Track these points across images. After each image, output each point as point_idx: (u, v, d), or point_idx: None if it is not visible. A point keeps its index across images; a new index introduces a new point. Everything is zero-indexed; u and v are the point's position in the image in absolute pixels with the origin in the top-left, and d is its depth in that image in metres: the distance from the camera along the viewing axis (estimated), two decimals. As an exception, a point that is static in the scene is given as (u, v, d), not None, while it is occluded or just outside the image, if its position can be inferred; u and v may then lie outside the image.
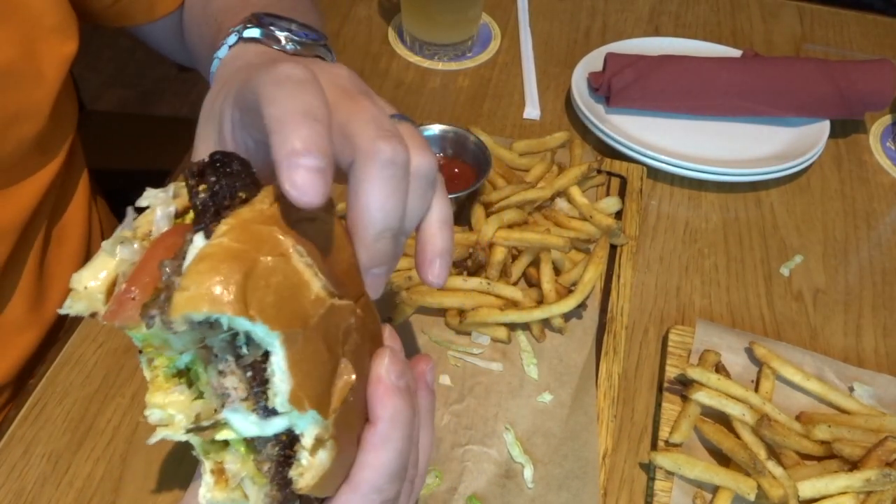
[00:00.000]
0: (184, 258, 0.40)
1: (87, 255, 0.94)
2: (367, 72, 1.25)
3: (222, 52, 0.67)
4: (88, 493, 0.74)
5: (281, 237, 0.41)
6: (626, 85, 1.14)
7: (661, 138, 1.13)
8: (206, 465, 0.44)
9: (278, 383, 0.40)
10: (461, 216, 0.96)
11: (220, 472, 0.44)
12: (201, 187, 0.42)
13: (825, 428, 0.76)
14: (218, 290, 0.38)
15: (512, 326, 0.87)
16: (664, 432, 0.79)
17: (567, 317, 0.88)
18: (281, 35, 0.66)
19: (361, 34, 1.33)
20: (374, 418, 0.45)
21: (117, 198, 1.12)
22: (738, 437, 0.77)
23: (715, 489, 0.74)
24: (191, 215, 0.44)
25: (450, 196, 0.92)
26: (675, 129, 1.15)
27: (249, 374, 0.41)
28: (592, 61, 1.21)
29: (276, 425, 0.41)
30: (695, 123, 1.16)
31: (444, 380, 0.83)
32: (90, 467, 0.76)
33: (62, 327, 0.96)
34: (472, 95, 1.22)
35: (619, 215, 1.00)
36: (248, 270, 0.39)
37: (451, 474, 0.75)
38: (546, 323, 0.87)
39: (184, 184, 0.45)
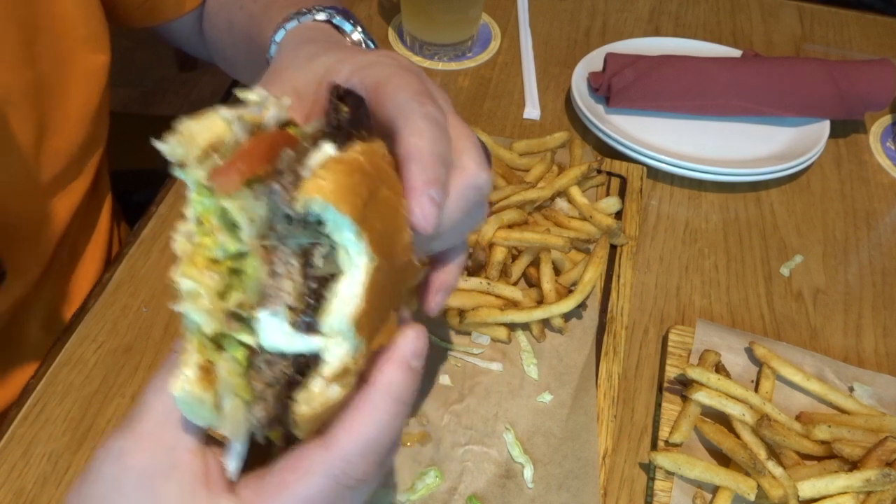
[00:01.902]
0: (306, 155, 0.41)
1: (101, 278, 0.92)
2: (367, 72, 1.25)
3: (291, 24, 0.71)
4: (88, 492, 0.74)
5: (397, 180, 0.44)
6: (626, 85, 1.14)
7: (661, 138, 1.13)
8: (193, 358, 0.41)
9: (342, 304, 0.39)
10: (461, 216, 0.96)
11: (205, 370, 0.41)
12: (343, 108, 0.44)
13: (825, 428, 0.76)
14: (350, 192, 0.39)
15: (512, 326, 0.87)
16: (664, 432, 0.79)
17: (567, 317, 0.88)
18: (346, 27, 0.73)
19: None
20: (373, 382, 0.43)
21: (118, 197, 1.12)
22: (738, 437, 0.77)
23: (715, 489, 0.74)
24: (297, 129, 0.46)
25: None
26: (675, 129, 1.15)
27: (313, 285, 0.40)
28: (592, 61, 1.21)
29: (305, 344, 0.40)
30: (695, 123, 1.16)
31: (444, 380, 0.83)
32: (90, 467, 0.76)
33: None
34: (472, 95, 1.22)
35: (619, 215, 1.00)
36: (372, 191, 0.41)
37: (451, 474, 0.75)
38: (546, 323, 0.87)
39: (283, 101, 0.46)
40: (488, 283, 0.87)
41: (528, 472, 0.76)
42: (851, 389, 0.84)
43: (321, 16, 0.73)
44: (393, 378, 0.43)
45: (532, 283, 0.91)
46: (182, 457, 0.43)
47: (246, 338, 0.41)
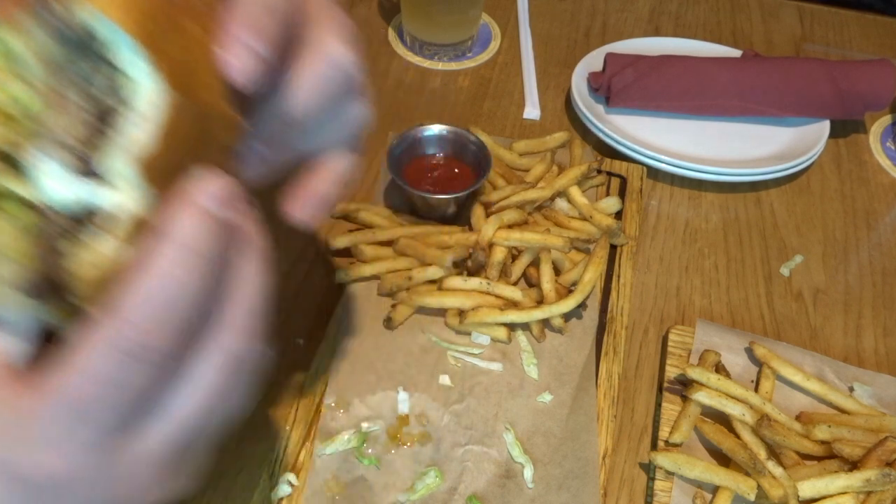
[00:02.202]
0: None
1: None
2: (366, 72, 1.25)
3: None
4: (88, 493, 0.74)
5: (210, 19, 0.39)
6: (626, 85, 1.14)
7: (661, 138, 1.13)
8: None
9: (128, 144, 0.34)
10: (461, 216, 0.97)
11: None
12: None
13: (825, 428, 0.76)
14: (134, 7, 0.33)
15: (512, 326, 0.87)
16: (664, 432, 0.79)
17: (567, 317, 0.88)
18: None
19: (361, 34, 1.33)
20: (159, 232, 0.35)
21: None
22: (738, 437, 0.77)
23: (715, 489, 0.74)
24: None
25: (450, 196, 0.93)
26: (675, 129, 1.15)
27: (96, 122, 0.34)
28: (592, 61, 1.21)
29: (87, 193, 0.34)
30: (695, 123, 1.16)
31: (444, 380, 0.83)
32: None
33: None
34: (472, 95, 1.22)
35: (619, 215, 1.00)
36: (173, 19, 0.35)
37: (451, 474, 0.75)
38: (546, 323, 0.87)
39: None
40: (488, 283, 0.87)
41: (528, 472, 0.76)
42: (851, 389, 0.84)
43: None
44: (182, 224, 0.35)
45: (532, 283, 0.91)
46: None
47: (18, 187, 0.34)
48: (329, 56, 0.45)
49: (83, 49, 0.34)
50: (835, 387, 0.83)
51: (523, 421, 0.80)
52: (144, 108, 0.34)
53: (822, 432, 0.76)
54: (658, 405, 0.84)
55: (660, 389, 0.85)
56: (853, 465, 0.74)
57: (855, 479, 0.72)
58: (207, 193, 0.36)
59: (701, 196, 1.09)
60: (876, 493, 0.72)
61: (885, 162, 1.16)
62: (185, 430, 0.38)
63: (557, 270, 0.91)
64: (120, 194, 0.34)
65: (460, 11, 1.23)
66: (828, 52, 1.36)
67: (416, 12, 1.25)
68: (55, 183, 0.34)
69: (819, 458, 0.77)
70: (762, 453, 0.75)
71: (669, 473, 0.76)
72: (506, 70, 1.28)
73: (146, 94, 0.34)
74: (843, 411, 0.81)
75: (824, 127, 1.14)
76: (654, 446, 0.80)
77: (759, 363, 0.84)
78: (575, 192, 0.98)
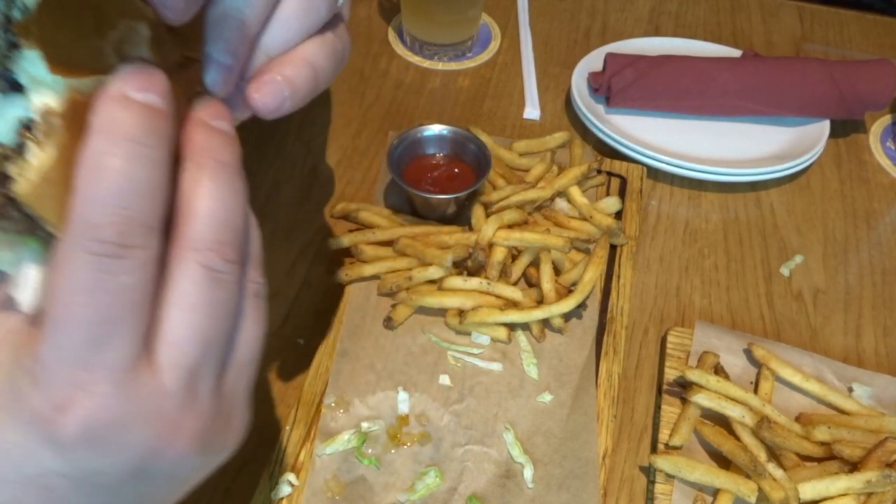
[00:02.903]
0: None
1: None
2: (367, 72, 1.25)
3: None
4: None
5: None
6: (626, 85, 1.14)
7: (661, 138, 1.12)
8: None
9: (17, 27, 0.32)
10: (461, 216, 0.96)
11: None
12: None
13: (825, 429, 0.76)
14: None
15: (512, 326, 0.87)
16: (664, 435, 0.79)
17: (567, 317, 0.88)
18: None
19: (361, 34, 1.33)
20: (89, 129, 0.34)
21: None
22: (737, 439, 0.77)
23: (715, 492, 0.74)
24: None
25: (450, 196, 0.93)
26: (675, 129, 1.15)
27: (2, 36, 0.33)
28: (592, 61, 1.21)
29: (13, 107, 0.34)
30: (695, 123, 1.16)
31: (444, 380, 0.83)
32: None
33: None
34: (472, 95, 1.22)
35: (619, 215, 1.00)
36: None
37: (451, 474, 0.75)
38: (546, 323, 0.87)
39: None
40: (488, 283, 0.87)
41: (528, 472, 0.76)
42: (850, 390, 0.84)
43: None
44: (110, 113, 0.34)
45: (532, 283, 0.91)
46: (8, 322, 0.37)
47: None
48: None
49: None
50: (834, 387, 0.83)
51: (523, 421, 0.80)
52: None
53: (821, 433, 0.76)
54: (657, 407, 0.84)
55: (659, 391, 0.85)
56: (853, 467, 0.74)
57: (856, 481, 0.72)
58: (129, 81, 0.34)
59: (701, 196, 1.09)
60: (877, 495, 0.72)
61: (885, 162, 1.16)
62: (193, 356, 0.37)
63: (557, 270, 0.91)
64: (35, 93, 0.33)
65: (460, 11, 1.23)
66: (828, 52, 1.36)
67: (416, 12, 1.25)
68: None
69: (819, 460, 0.76)
70: (762, 455, 0.75)
71: (670, 476, 0.75)
72: (506, 70, 1.28)
73: None
74: (842, 412, 0.80)
75: (824, 127, 1.14)
76: (653, 449, 0.80)
77: (758, 364, 0.84)
78: (575, 192, 0.98)
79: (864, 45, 1.38)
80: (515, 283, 0.90)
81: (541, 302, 0.87)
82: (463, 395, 0.82)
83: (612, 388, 0.83)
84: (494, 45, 1.32)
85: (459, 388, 0.82)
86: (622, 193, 1.04)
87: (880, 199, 1.11)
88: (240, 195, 0.37)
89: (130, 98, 0.34)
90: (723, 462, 0.77)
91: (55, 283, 0.33)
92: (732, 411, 0.77)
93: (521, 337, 0.87)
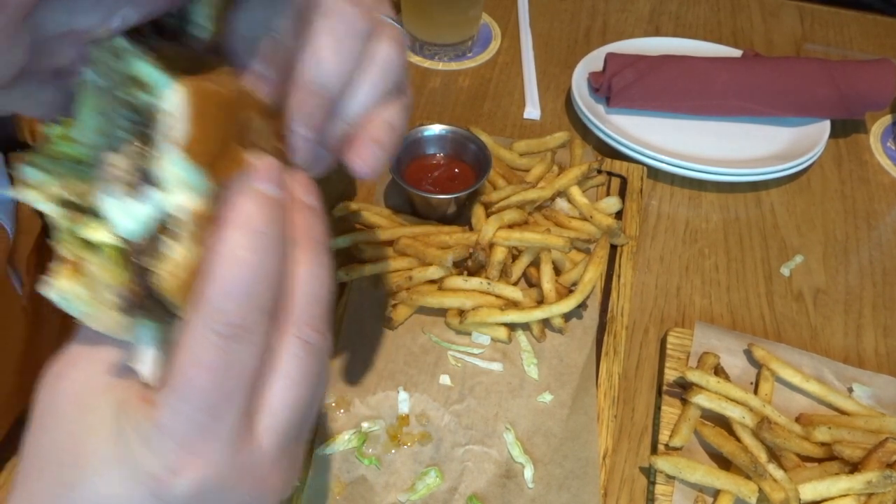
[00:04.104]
0: None
1: None
2: (367, 71, 1.25)
3: None
4: (88, 493, 0.74)
5: None
6: (626, 85, 1.14)
7: (661, 138, 1.12)
8: (64, 256, 0.39)
9: (169, 139, 0.36)
10: (461, 216, 0.96)
11: (76, 266, 0.38)
12: None
13: (825, 430, 0.76)
14: None
15: (512, 326, 0.87)
16: (664, 436, 0.79)
17: (567, 317, 0.88)
18: None
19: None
20: (222, 221, 0.38)
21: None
22: (738, 440, 0.77)
23: (716, 493, 0.74)
24: None
25: (450, 196, 0.93)
26: (675, 129, 1.15)
27: (139, 144, 0.37)
28: (592, 61, 1.21)
29: (150, 209, 0.37)
30: (695, 123, 1.16)
31: (445, 380, 0.83)
32: (90, 467, 0.76)
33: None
34: (472, 95, 1.22)
35: (619, 215, 1.00)
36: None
37: (451, 474, 0.75)
38: (546, 323, 0.87)
39: None
40: (488, 283, 0.87)
41: (528, 472, 0.76)
42: (850, 390, 0.84)
43: None
44: (242, 208, 0.38)
45: (532, 283, 0.91)
46: (113, 374, 0.41)
47: (100, 231, 0.38)
48: (339, 12, 0.45)
49: (121, 84, 0.37)
50: (834, 388, 0.83)
51: (523, 421, 0.80)
52: (171, 107, 0.36)
53: (822, 434, 0.76)
54: (657, 408, 0.83)
55: (659, 392, 0.85)
56: (854, 467, 0.74)
57: (856, 482, 0.71)
58: (258, 174, 0.39)
59: (701, 196, 1.09)
60: (877, 495, 0.72)
61: (885, 162, 1.16)
62: (289, 421, 0.40)
63: (558, 270, 0.91)
64: (178, 193, 0.37)
65: (460, 11, 1.23)
66: (828, 52, 1.36)
67: (417, 12, 1.25)
68: (122, 213, 0.37)
69: (819, 461, 0.76)
70: (763, 456, 0.75)
71: (670, 477, 0.75)
72: (506, 70, 1.28)
73: (169, 95, 0.37)
74: (842, 412, 0.80)
75: (824, 127, 1.14)
76: (654, 450, 0.80)
77: (758, 365, 0.84)
78: (575, 192, 0.98)
79: (864, 45, 1.38)
80: (516, 283, 0.90)
81: (541, 302, 0.87)
82: (463, 395, 0.82)
83: (613, 389, 0.83)
84: (495, 45, 1.32)
85: (460, 388, 0.82)
86: (622, 193, 1.04)
87: (880, 199, 1.11)
88: (328, 270, 0.41)
89: (258, 192, 0.38)
90: (723, 463, 0.77)
91: (181, 358, 0.37)
92: (733, 412, 0.77)
93: (522, 337, 0.87)
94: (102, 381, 0.41)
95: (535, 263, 0.90)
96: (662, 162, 1.07)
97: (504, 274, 0.89)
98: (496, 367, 0.84)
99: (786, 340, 0.91)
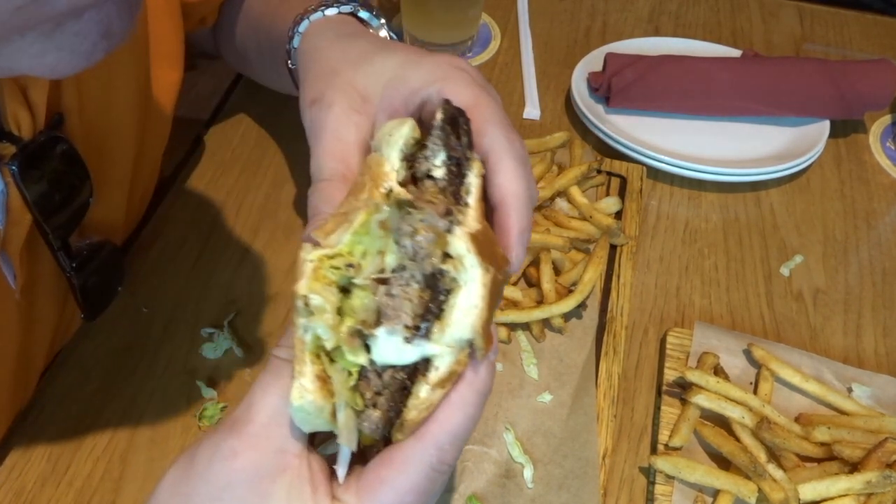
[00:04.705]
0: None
1: None
2: (367, 71, 1.25)
3: (315, 15, 0.73)
4: (88, 492, 0.74)
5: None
6: (626, 85, 1.13)
7: (661, 138, 1.12)
8: (309, 368, 0.43)
9: (463, 315, 0.43)
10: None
11: (321, 380, 0.44)
12: (459, 131, 0.48)
13: (825, 430, 0.76)
14: None
15: (512, 326, 0.87)
16: (664, 436, 0.79)
17: (567, 317, 0.88)
18: (374, 22, 0.76)
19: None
20: (465, 379, 0.46)
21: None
22: (737, 440, 0.77)
23: (716, 493, 0.74)
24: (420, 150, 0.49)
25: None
26: (675, 129, 1.15)
27: (431, 302, 0.43)
28: (592, 61, 1.21)
29: (415, 354, 0.43)
30: (695, 123, 1.16)
31: (444, 380, 0.83)
32: (90, 467, 0.76)
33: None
34: (472, 95, 1.22)
35: (619, 215, 1.00)
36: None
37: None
38: (546, 323, 0.87)
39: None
40: (488, 284, 0.86)
41: (527, 472, 0.76)
42: (850, 390, 0.84)
43: (346, 8, 0.74)
44: (482, 374, 0.46)
45: (532, 283, 0.91)
46: (289, 460, 0.45)
47: (361, 356, 0.44)
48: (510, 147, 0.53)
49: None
50: (834, 388, 0.83)
51: (523, 421, 0.80)
52: (472, 286, 0.43)
53: (821, 434, 0.76)
54: (657, 408, 0.83)
55: (658, 392, 0.85)
56: (853, 467, 0.74)
57: (856, 482, 0.72)
58: (495, 349, 0.47)
59: (701, 196, 1.09)
60: (877, 495, 0.72)
61: (885, 162, 1.16)
62: None
63: (557, 270, 0.91)
64: (445, 353, 0.43)
65: (460, 11, 1.23)
66: (828, 52, 1.36)
67: (416, 12, 1.25)
68: (390, 351, 0.43)
69: (819, 461, 0.76)
70: (762, 456, 0.75)
71: (670, 477, 0.76)
72: (506, 70, 1.28)
73: (473, 274, 0.43)
74: (842, 412, 0.80)
75: (824, 127, 1.14)
76: (653, 450, 0.80)
77: (757, 365, 0.84)
78: (575, 191, 0.98)
79: (864, 45, 1.38)
80: (515, 283, 0.90)
81: (541, 302, 0.87)
82: (463, 395, 0.81)
83: (612, 388, 0.83)
84: (494, 45, 1.32)
85: (459, 388, 0.82)
86: (622, 193, 1.04)
87: (880, 199, 1.11)
88: (476, 420, 0.47)
89: (492, 362, 0.47)
90: (723, 463, 0.77)
91: (395, 476, 0.44)
92: (732, 412, 0.77)
93: (521, 337, 0.87)
94: (275, 466, 0.45)
95: (535, 263, 0.90)
96: (662, 162, 1.07)
97: (504, 274, 0.89)
98: (496, 367, 0.84)
99: (785, 340, 0.91)
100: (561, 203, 0.99)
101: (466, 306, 0.43)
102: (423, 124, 0.50)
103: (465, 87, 0.54)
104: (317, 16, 0.73)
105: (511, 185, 0.51)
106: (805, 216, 1.07)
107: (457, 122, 0.48)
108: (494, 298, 0.45)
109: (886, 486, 0.71)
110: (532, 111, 1.20)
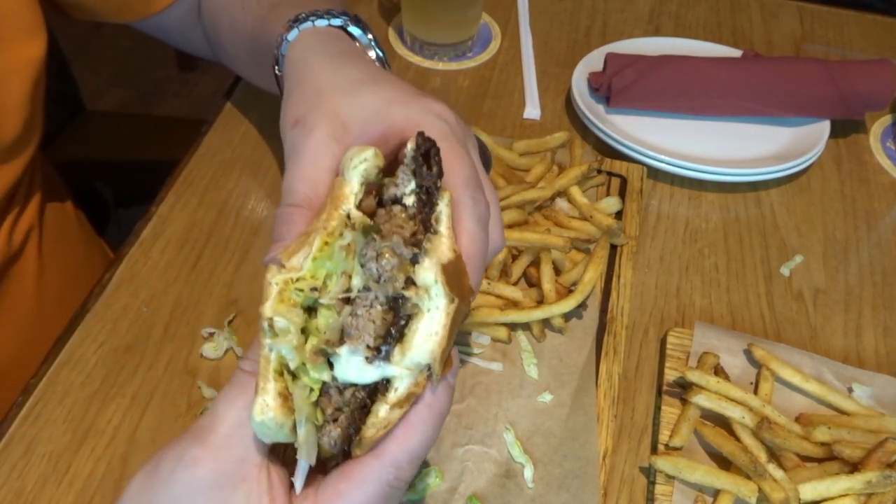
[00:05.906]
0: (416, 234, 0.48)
1: (102, 278, 0.91)
2: (367, 72, 1.25)
3: (305, 25, 0.73)
4: (89, 493, 0.74)
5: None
6: (626, 85, 1.14)
7: (661, 138, 1.13)
8: (272, 385, 0.45)
9: (423, 340, 0.44)
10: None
11: (283, 397, 0.45)
12: (430, 165, 0.49)
13: (825, 430, 0.76)
14: None
15: (512, 326, 0.87)
16: (664, 436, 0.79)
17: (567, 317, 0.88)
18: (364, 40, 0.77)
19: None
20: (424, 401, 0.48)
21: (117, 197, 1.12)
22: (738, 440, 0.77)
23: (716, 493, 0.74)
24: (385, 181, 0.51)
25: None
26: (675, 129, 1.15)
27: (393, 325, 0.45)
28: (592, 61, 1.21)
29: (375, 374, 0.45)
30: (695, 123, 1.16)
31: (445, 380, 0.83)
32: (90, 467, 0.76)
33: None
34: (472, 95, 1.22)
35: (619, 215, 1.00)
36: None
37: (451, 474, 0.75)
38: (546, 323, 0.87)
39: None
40: (488, 283, 0.87)
41: (528, 472, 0.76)
42: (850, 390, 0.84)
43: (337, 21, 0.74)
44: (440, 396, 0.48)
45: (532, 283, 0.91)
46: (249, 470, 0.46)
47: (324, 373, 0.46)
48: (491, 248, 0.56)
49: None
50: (834, 388, 0.83)
51: (523, 421, 0.80)
52: (435, 314, 0.45)
53: (822, 434, 0.76)
54: (657, 408, 0.83)
55: (659, 392, 0.85)
56: (853, 467, 0.74)
57: (856, 481, 0.72)
58: (453, 371, 0.49)
59: (701, 196, 1.09)
60: (877, 495, 0.72)
61: (885, 162, 1.16)
62: None
63: (557, 270, 0.91)
64: (404, 375, 0.45)
65: (460, 11, 1.23)
66: (828, 52, 1.36)
67: (416, 12, 1.25)
68: (352, 369, 0.45)
69: (819, 460, 0.76)
70: (763, 456, 0.75)
71: (670, 477, 0.76)
72: (506, 70, 1.28)
73: (438, 303, 0.45)
74: (842, 412, 0.80)
75: (824, 127, 1.14)
76: (654, 450, 0.80)
77: (758, 365, 0.84)
78: (575, 191, 0.98)
79: (864, 45, 1.38)
80: (516, 283, 0.90)
81: (541, 302, 0.87)
82: (463, 394, 0.82)
83: (612, 388, 0.83)
84: (494, 45, 1.32)
85: (460, 388, 0.82)
86: (622, 193, 1.04)
87: (880, 199, 1.11)
88: (433, 440, 0.49)
89: (450, 385, 0.49)
90: (723, 463, 0.77)
91: (353, 491, 0.46)
92: (733, 412, 0.77)
93: (522, 337, 0.87)
94: (236, 475, 0.46)
95: (535, 263, 0.90)
96: (662, 162, 1.07)
97: (504, 274, 0.89)
98: (496, 366, 0.84)
99: (785, 340, 0.91)
100: (561, 203, 0.99)
101: (427, 332, 0.45)
102: (397, 163, 0.52)
103: (441, 139, 0.54)
104: (306, 25, 0.72)
105: (467, 248, 0.52)
106: (805, 216, 1.07)
107: (429, 153, 0.49)
108: (456, 326, 0.47)
109: (887, 486, 0.71)
110: (532, 111, 1.20)
